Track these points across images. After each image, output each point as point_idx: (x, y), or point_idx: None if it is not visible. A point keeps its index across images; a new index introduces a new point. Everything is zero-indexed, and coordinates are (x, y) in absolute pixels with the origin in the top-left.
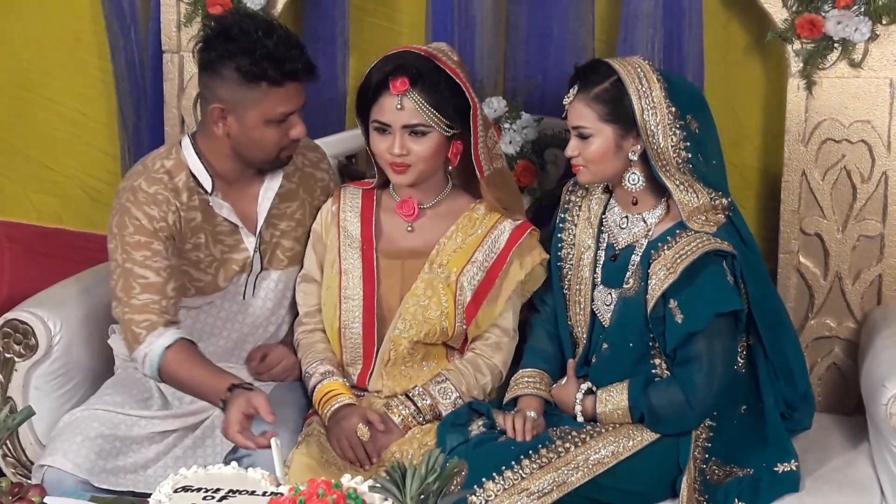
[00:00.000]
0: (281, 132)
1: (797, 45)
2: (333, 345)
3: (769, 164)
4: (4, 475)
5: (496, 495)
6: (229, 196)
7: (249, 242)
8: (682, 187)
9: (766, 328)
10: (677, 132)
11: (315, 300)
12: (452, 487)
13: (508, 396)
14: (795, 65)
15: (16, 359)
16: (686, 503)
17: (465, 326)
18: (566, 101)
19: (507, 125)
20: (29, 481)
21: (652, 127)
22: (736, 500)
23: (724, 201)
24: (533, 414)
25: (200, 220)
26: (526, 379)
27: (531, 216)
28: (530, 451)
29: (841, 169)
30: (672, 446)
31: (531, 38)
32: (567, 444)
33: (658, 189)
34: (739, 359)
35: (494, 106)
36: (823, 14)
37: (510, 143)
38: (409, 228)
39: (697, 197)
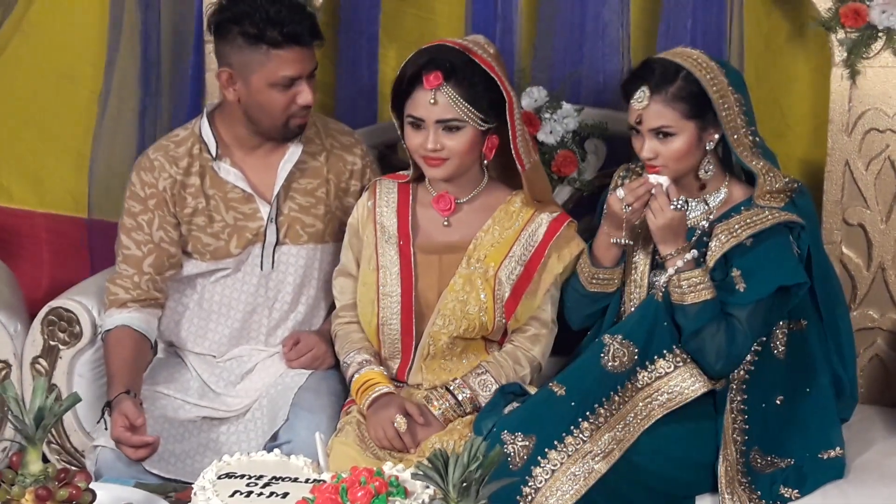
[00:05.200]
0: (287, 98)
1: (841, 34)
2: (372, 340)
3: (812, 153)
4: (50, 461)
5: (561, 464)
6: (245, 164)
7: (265, 212)
8: (764, 171)
9: (827, 305)
10: (743, 116)
11: (352, 294)
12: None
13: None
14: (839, 54)
15: (60, 346)
16: (726, 486)
17: (504, 321)
18: (637, 104)
19: (547, 115)
20: (74, 467)
21: (729, 115)
22: (782, 486)
23: (796, 185)
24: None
25: (203, 185)
26: None
27: (571, 206)
28: (587, 413)
29: (885, 159)
30: (712, 432)
31: (568, 29)
32: (618, 399)
33: (720, 173)
34: (780, 345)
35: (535, 96)
36: (868, 3)
37: (550, 132)
38: (446, 223)
39: (776, 180)
